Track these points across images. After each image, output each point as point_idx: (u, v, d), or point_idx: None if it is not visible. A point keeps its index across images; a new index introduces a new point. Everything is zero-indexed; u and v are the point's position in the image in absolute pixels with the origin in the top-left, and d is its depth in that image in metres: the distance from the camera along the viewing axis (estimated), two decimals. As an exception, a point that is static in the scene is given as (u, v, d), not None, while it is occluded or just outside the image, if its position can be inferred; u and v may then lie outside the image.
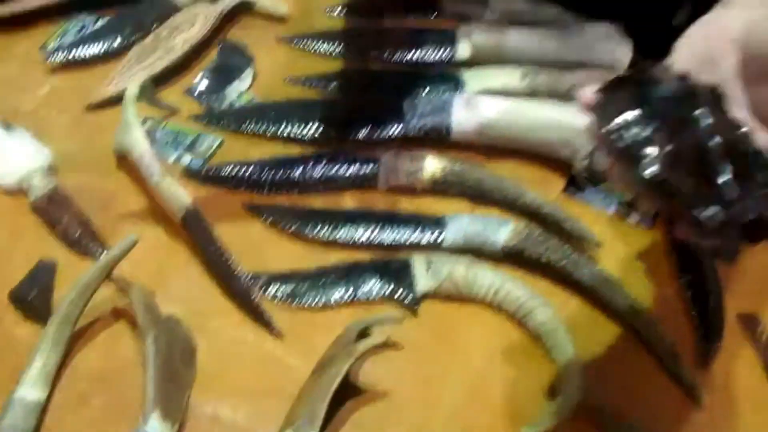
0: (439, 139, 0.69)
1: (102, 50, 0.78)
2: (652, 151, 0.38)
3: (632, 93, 0.41)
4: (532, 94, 0.75)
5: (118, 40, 0.78)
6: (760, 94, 0.42)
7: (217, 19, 0.80)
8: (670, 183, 0.38)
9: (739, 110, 0.41)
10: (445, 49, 0.79)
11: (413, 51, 0.79)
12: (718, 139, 0.38)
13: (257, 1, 0.84)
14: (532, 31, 0.80)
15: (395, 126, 0.69)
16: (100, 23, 0.82)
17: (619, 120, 0.40)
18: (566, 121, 0.68)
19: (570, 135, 0.67)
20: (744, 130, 0.39)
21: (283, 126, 0.70)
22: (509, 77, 0.75)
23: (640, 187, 0.39)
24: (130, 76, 0.74)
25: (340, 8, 0.86)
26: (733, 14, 0.43)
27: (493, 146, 0.70)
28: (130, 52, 0.77)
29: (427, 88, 0.75)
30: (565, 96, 0.74)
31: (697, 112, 0.39)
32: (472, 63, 0.78)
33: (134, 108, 0.64)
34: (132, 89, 0.65)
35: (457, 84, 0.75)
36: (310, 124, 0.70)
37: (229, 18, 0.83)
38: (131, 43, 0.78)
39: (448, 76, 0.76)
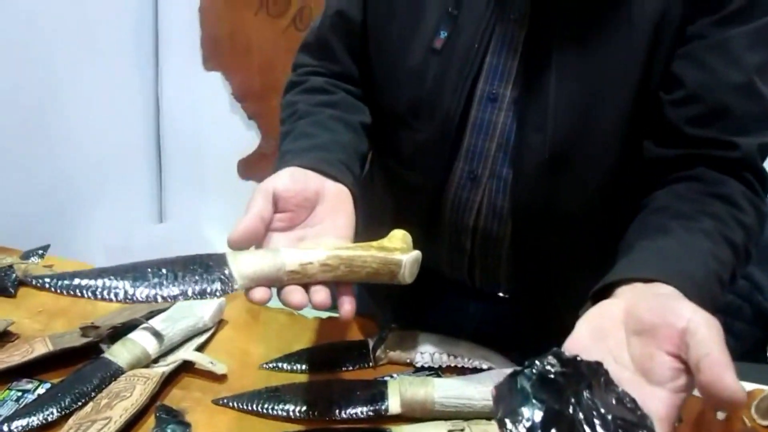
0: None
1: (39, 423, 0.79)
2: None
3: (526, 383, 0.49)
4: (461, 449, 0.78)
5: (56, 411, 0.80)
6: (632, 346, 0.53)
7: (157, 384, 0.84)
8: None
9: (623, 371, 0.51)
10: (377, 405, 0.83)
11: (348, 407, 0.83)
12: (594, 412, 0.47)
13: (197, 361, 0.88)
14: (458, 381, 0.86)
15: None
16: (41, 389, 0.84)
17: (512, 410, 0.47)
18: (494, 483, 0.70)
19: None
20: (624, 397, 0.49)
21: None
22: (437, 435, 0.78)
23: None
24: (65, 454, 0.75)
25: (275, 363, 0.91)
26: (617, 302, 0.57)
27: None
28: (68, 422, 0.79)
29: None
30: (493, 449, 0.77)
31: (576, 392, 0.48)
32: (402, 416, 0.82)
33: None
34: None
35: (388, 442, 0.78)
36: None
37: (169, 379, 0.87)
38: (70, 413, 0.80)
39: (379, 433, 0.79)
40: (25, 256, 1.11)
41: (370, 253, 0.68)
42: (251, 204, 0.68)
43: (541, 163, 0.80)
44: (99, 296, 0.60)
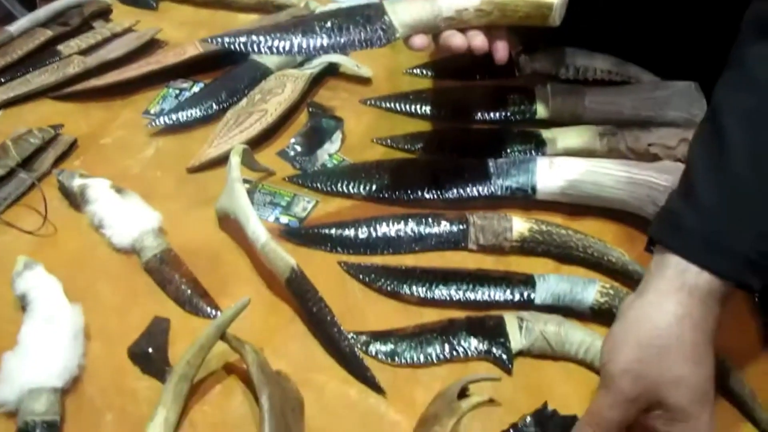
0: (523, 198, 0.72)
1: (200, 114, 0.83)
2: None
3: None
4: (611, 152, 0.77)
5: (214, 104, 0.84)
6: None
7: (306, 83, 0.85)
8: None
9: None
10: (525, 109, 0.82)
11: (495, 110, 0.83)
12: None
13: (342, 64, 0.89)
14: (608, 90, 0.83)
15: (482, 186, 0.73)
16: (196, 88, 0.88)
17: None
18: (649, 179, 0.70)
19: (653, 192, 0.69)
20: None
21: (373, 186, 0.74)
22: (588, 137, 0.77)
23: None
24: (228, 139, 0.79)
25: (420, 69, 0.90)
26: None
27: (576, 204, 0.73)
28: (226, 114, 0.82)
29: (511, 147, 0.78)
30: (643, 154, 0.76)
31: None
32: (551, 121, 0.82)
33: (239, 175, 0.68)
34: (236, 157, 0.69)
35: (538, 143, 0.78)
36: (399, 184, 0.74)
37: (316, 80, 0.88)
38: (227, 107, 0.84)
39: (529, 135, 0.79)
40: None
41: None
42: None
43: None
44: (275, 51, 0.62)
